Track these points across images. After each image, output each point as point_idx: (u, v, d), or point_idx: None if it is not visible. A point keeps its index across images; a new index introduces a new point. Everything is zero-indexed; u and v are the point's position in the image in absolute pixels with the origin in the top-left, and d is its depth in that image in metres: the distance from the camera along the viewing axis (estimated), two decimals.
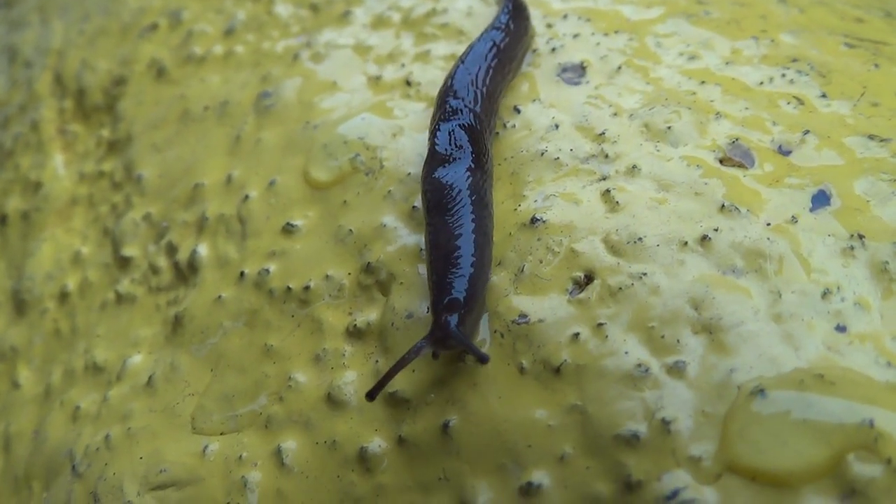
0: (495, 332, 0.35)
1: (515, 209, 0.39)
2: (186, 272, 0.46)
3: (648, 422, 0.31)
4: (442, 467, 0.33)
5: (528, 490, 0.31)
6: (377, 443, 0.35)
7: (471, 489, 0.33)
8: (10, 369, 0.53)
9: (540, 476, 0.31)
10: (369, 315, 0.38)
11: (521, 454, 0.32)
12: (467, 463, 0.33)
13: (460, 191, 0.36)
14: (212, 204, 0.46)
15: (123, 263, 0.50)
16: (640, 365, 0.32)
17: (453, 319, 0.32)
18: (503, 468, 0.32)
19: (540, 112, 0.42)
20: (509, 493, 0.32)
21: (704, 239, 0.35)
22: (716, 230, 0.35)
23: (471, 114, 0.39)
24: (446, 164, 0.37)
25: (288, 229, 0.42)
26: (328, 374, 0.38)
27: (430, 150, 0.38)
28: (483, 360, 0.32)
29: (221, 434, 0.40)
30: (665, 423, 0.31)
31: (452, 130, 0.38)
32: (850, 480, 0.28)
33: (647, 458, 0.30)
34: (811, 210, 0.36)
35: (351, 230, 0.41)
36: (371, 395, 0.33)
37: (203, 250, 0.45)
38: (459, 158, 0.37)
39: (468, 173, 0.36)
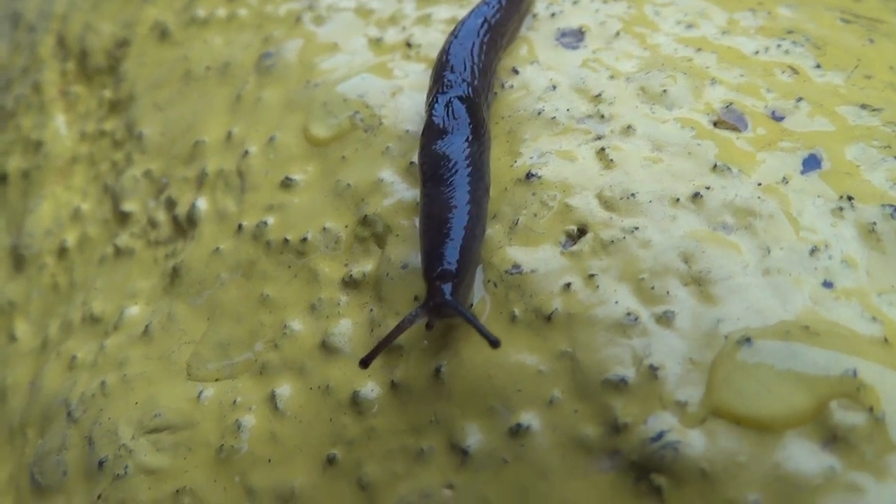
0: (488, 281, 0.36)
1: (511, 165, 0.39)
2: (185, 225, 0.46)
3: (636, 368, 0.31)
4: (433, 410, 0.34)
5: (517, 431, 0.32)
6: (370, 387, 0.36)
7: (461, 431, 0.33)
8: (7, 323, 0.54)
9: (529, 418, 0.32)
10: (365, 266, 0.39)
11: (510, 398, 0.33)
12: (458, 406, 0.34)
13: (457, 162, 0.36)
14: (212, 160, 0.47)
15: (123, 218, 0.50)
16: (629, 314, 0.33)
17: (447, 288, 0.32)
18: (493, 411, 0.33)
19: (538, 74, 0.43)
20: (498, 435, 0.32)
21: (696, 196, 0.36)
22: (707, 188, 0.36)
23: (468, 87, 0.39)
24: (444, 136, 0.37)
25: (287, 183, 0.43)
26: (323, 322, 0.39)
27: (427, 122, 0.38)
28: (493, 344, 0.31)
29: (216, 380, 0.40)
30: (652, 370, 0.31)
31: (449, 102, 0.38)
32: (832, 427, 0.29)
33: (634, 402, 0.31)
34: (802, 172, 0.36)
35: (349, 184, 0.41)
36: (365, 363, 0.33)
37: (202, 204, 0.45)
38: (457, 130, 0.37)
39: (466, 145, 0.36)
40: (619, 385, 0.31)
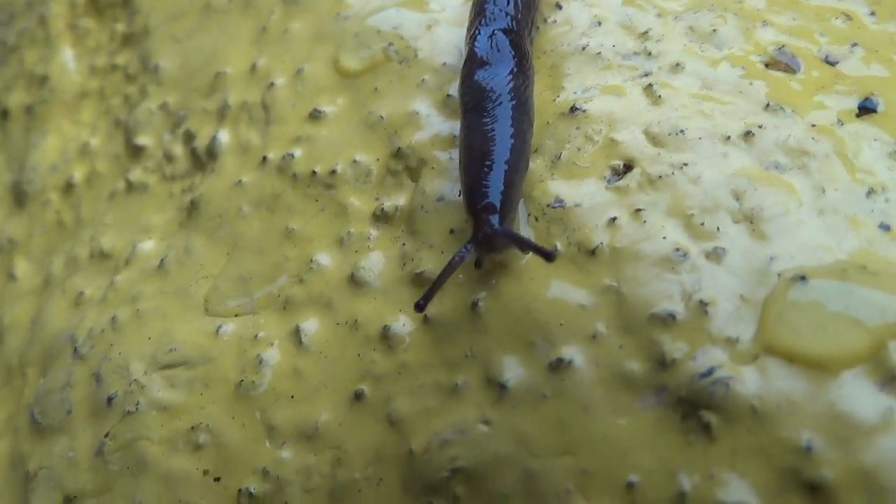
0: (529, 215, 0.35)
1: (554, 100, 0.38)
2: (204, 158, 0.44)
3: (685, 303, 0.31)
4: (469, 345, 0.33)
5: (558, 366, 0.31)
6: (402, 321, 0.35)
7: (498, 365, 0.32)
8: (6, 262, 0.52)
9: (571, 352, 0.31)
10: (397, 199, 0.38)
11: (552, 332, 0.32)
12: (495, 340, 0.33)
13: (500, 94, 0.35)
14: (234, 92, 0.45)
15: (136, 152, 0.48)
16: (678, 249, 0.32)
17: (494, 219, 0.32)
18: (533, 345, 0.32)
19: (581, 9, 0.42)
20: (538, 369, 0.31)
21: (748, 135, 0.35)
22: (760, 127, 0.35)
23: (511, 20, 0.38)
24: (487, 68, 0.36)
25: (315, 115, 0.42)
26: (352, 256, 0.37)
27: (468, 53, 0.37)
28: (548, 256, 0.31)
29: (236, 315, 0.39)
30: (702, 305, 0.30)
31: (493, 34, 0.37)
32: (891, 367, 0.28)
33: (683, 337, 0.30)
34: (857, 115, 0.36)
35: (381, 116, 0.40)
36: (420, 306, 0.32)
37: (223, 137, 0.44)
38: (501, 62, 0.36)
39: (510, 77, 0.35)
40: (667, 320, 0.30)
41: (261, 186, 0.41)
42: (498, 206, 0.32)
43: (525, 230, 0.35)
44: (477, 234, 0.32)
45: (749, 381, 0.29)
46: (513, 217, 0.34)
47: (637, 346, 0.30)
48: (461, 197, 0.34)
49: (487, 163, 0.33)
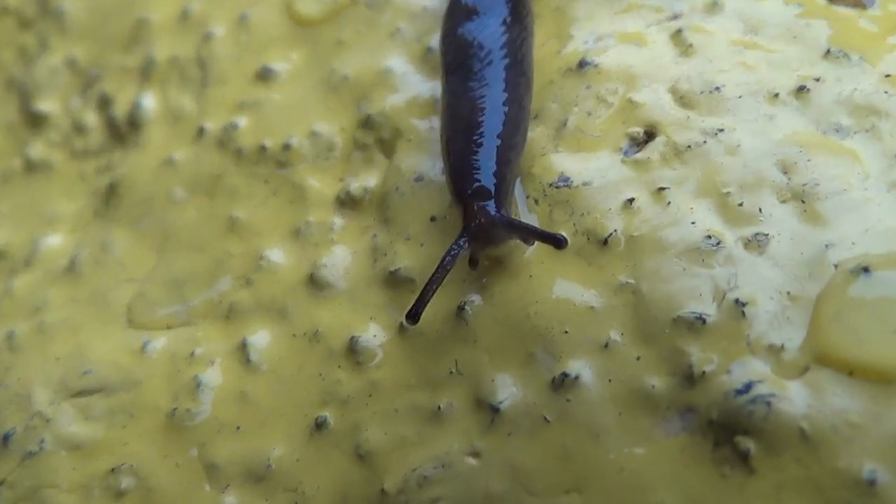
0: (528, 197, 0.37)
1: (559, 52, 0.40)
2: (124, 130, 0.46)
3: (718, 303, 0.32)
4: (454, 358, 0.35)
5: (563, 383, 0.33)
6: (372, 332, 0.37)
7: (489, 384, 0.34)
8: None
9: (578, 367, 0.33)
10: (367, 180, 0.40)
11: (554, 341, 0.34)
12: (486, 352, 0.35)
13: (490, 51, 0.36)
14: (161, 44, 0.47)
15: (36, 121, 0.50)
16: (710, 237, 0.34)
17: (490, 206, 0.33)
18: (532, 358, 0.34)
19: None
20: (538, 387, 0.33)
21: (801, 90, 0.36)
22: (817, 80, 0.37)
23: None
24: (474, 18, 0.37)
25: (264, 75, 0.43)
26: (311, 251, 0.39)
27: (451, 0, 0.39)
28: (559, 242, 0.32)
29: (168, 328, 0.41)
30: (739, 305, 0.32)
31: None
32: None
33: (715, 346, 0.32)
34: None
35: (346, 76, 0.42)
36: (413, 316, 0.33)
37: (148, 102, 0.46)
38: (491, 10, 0.37)
39: (503, 28, 0.37)
40: (695, 324, 0.32)
41: (197, 165, 0.43)
42: (492, 189, 0.34)
43: (524, 216, 0.37)
44: (469, 224, 0.33)
45: (797, 399, 0.31)
46: (510, 201, 0.36)
47: (659, 358, 0.32)
48: (445, 177, 0.36)
49: (476, 137, 0.34)
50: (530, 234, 0.33)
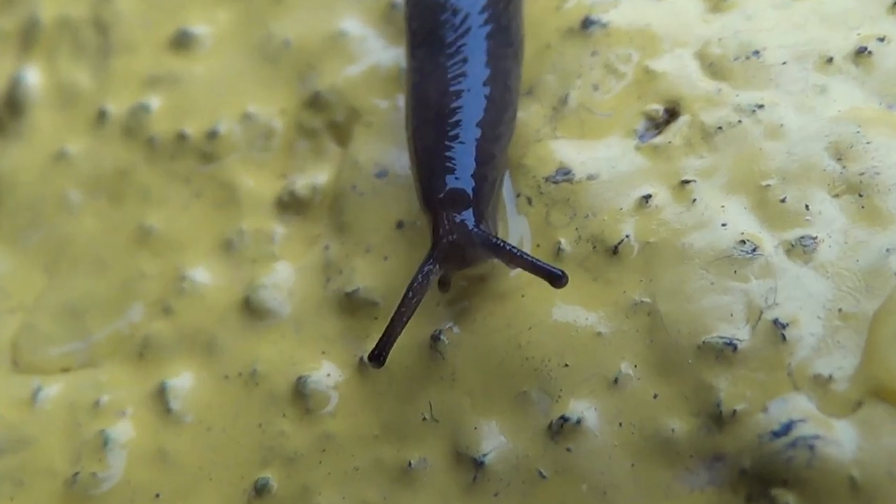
0: (518, 196, 0.43)
1: (558, 8, 0.45)
2: (2, 115, 0.52)
3: (753, 325, 0.38)
4: (428, 402, 0.41)
5: (562, 428, 0.39)
6: (325, 370, 0.43)
7: (471, 433, 0.40)
8: None
9: (580, 408, 0.39)
10: (315, 176, 0.46)
11: (552, 377, 0.40)
12: (467, 394, 0.41)
13: (468, 15, 0.41)
14: (47, 2, 0.53)
15: None
16: (744, 242, 0.39)
17: (468, 217, 0.38)
18: (524, 399, 0.40)
19: None
20: (532, 435, 0.39)
21: (861, 53, 0.42)
22: (881, 40, 0.42)
23: None
24: None
25: (182, 41, 0.49)
26: (246, 269, 0.45)
27: None
28: (556, 279, 0.37)
29: (64, 371, 0.47)
30: (778, 327, 0.38)
31: None
32: None
33: (748, 379, 0.37)
34: None
35: (287, 41, 0.48)
36: (378, 358, 0.38)
37: (32, 77, 0.51)
38: None
39: None
40: (725, 352, 0.38)
41: (97, 160, 0.48)
42: (470, 194, 0.39)
43: (513, 219, 0.43)
44: (440, 240, 0.39)
45: (846, 442, 0.36)
46: (494, 206, 0.41)
47: (680, 395, 0.38)
48: (413, 177, 0.41)
49: (449, 128, 0.40)
50: (518, 262, 0.38)
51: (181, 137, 0.47)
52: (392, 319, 0.39)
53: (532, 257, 0.39)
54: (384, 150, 0.45)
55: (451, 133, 0.40)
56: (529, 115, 0.43)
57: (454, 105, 0.40)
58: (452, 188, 0.39)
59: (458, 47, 0.41)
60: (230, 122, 0.47)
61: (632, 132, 0.42)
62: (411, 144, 0.41)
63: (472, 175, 0.39)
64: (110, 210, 0.48)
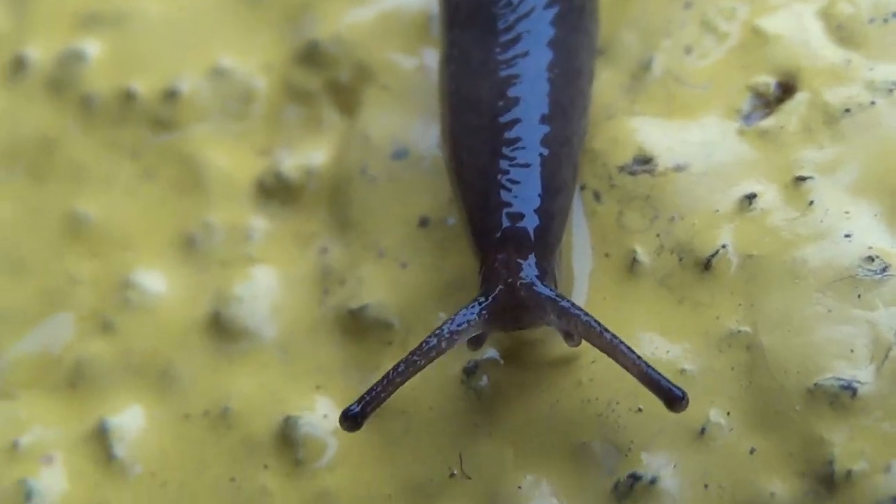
0: (584, 188, 0.49)
1: None
2: None
3: (878, 364, 0.44)
4: (457, 453, 0.47)
5: (632, 490, 0.45)
6: (321, 411, 0.49)
7: (514, 494, 0.46)
8: None
9: (657, 465, 0.45)
10: (310, 154, 0.52)
11: (620, 426, 0.46)
12: (510, 444, 0.47)
13: None
14: None
15: None
16: (872, 259, 0.46)
17: (529, 266, 0.44)
18: (583, 452, 0.46)
19: None
20: (592, 498, 0.45)
21: None
22: None
23: None
24: None
25: None
26: (215, 275, 0.52)
27: None
28: (674, 399, 0.42)
29: None
30: None
31: None
32: None
33: (869, 432, 0.43)
34: None
35: None
36: (354, 418, 0.43)
37: None
38: None
39: None
40: (842, 397, 0.44)
41: (12, 123, 0.54)
42: (532, 235, 0.45)
43: (574, 221, 0.49)
44: (493, 291, 0.44)
45: None
46: (559, 236, 0.46)
47: (782, 451, 0.44)
48: (456, 200, 0.45)
49: (507, 144, 0.45)
50: (598, 341, 0.44)
51: (128, 97, 0.53)
52: (393, 371, 0.44)
53: (623, 344, 0.44)
54: (404, 122, 0.50)
55: (510, 151, 0.45)
56: (601, 83, 0.49)
57: (513, 112, 0.45)
58: (511, 227, 0.44)
59: (518, 34, 0.46)
60: (195, 78, 0.53)
61: (734, 112, 0.48)
62: (453, 157, 0.46)
63: (536, 210, 0.44)
64: (30, 191, 0.53)
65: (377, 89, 0.51)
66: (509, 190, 0.44)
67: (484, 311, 0.43)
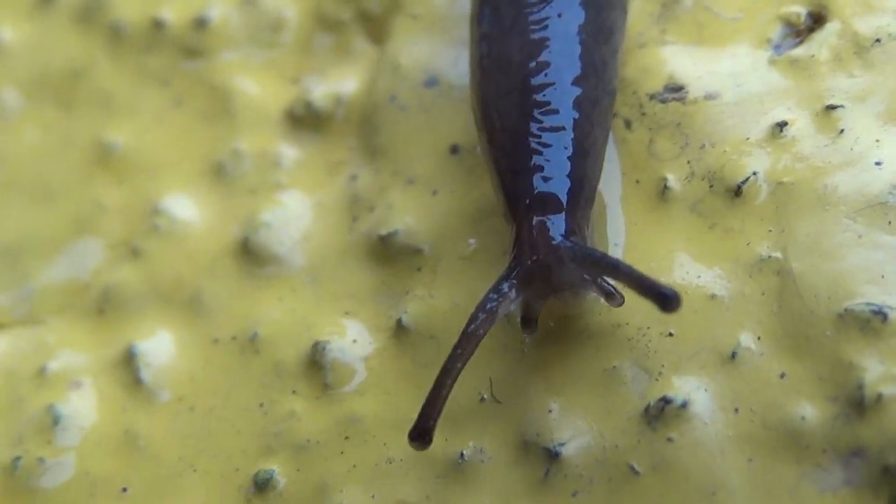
0: (615, 116, 0.50)
1: None
2: None
3: None
4: (487, 377, 0.48)
5: (663, 413, 0.46)
6: (350, 336, 0.50)
7: (544, 417, 0.47)
8: None
9: (687, 389, 0.46)
10: (340, 82, 0.54)
11: (650, 350, 0.48)
12: (540, 368, 0.48)
13: None
14: None
15: None
16: None
17: (557, 223, 0.44)
18: (614, 376, 0.48)
19: None
20: (623, 421, 0.47)
21: None
22: None
23: None
24: None
25: None
26: (244, 202, 0.53)
27: None
28: (666, 301, 0.42)
29: None
30: None
31: None
32: None
33: None
34: None
35: None
36: (421, 437, 0.43)
37: None
38: None
39: None
40: (873, 322, 0.44)
41: (42, 52, 0.55)
42: (565, 194, 0.45)
43: (608, 147, 0.49)
44: (523, 257, 0.44)
45: None
46: (591, 196, 0.46)
47: (813, 375, 0.45)
48: (487, 163, 0.45)
49: (538, 107, 0.45)
50: (623, 277, 0.44)
51: (157, 25, 0.54)
52: (442, 371, 0.44)
53: (638, 273, 0.44)
54: (435, 50, 0.51)
55: (541, 113, 0.45)
56: (633, 12, 0.50)
57: (546, 74, 0.46)
58: (543, 192, 0.45)
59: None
60: (224, 6, 0.53)
61: (765, 41, 0.50)
62: (484, 118, 0.46)
63: (568, 175, 0.45)
64: (59, 120, 0.54)
65: (407, 18, 0.52)
66: (541, 153, 0.44)
67: (515, 280, 0.44)
